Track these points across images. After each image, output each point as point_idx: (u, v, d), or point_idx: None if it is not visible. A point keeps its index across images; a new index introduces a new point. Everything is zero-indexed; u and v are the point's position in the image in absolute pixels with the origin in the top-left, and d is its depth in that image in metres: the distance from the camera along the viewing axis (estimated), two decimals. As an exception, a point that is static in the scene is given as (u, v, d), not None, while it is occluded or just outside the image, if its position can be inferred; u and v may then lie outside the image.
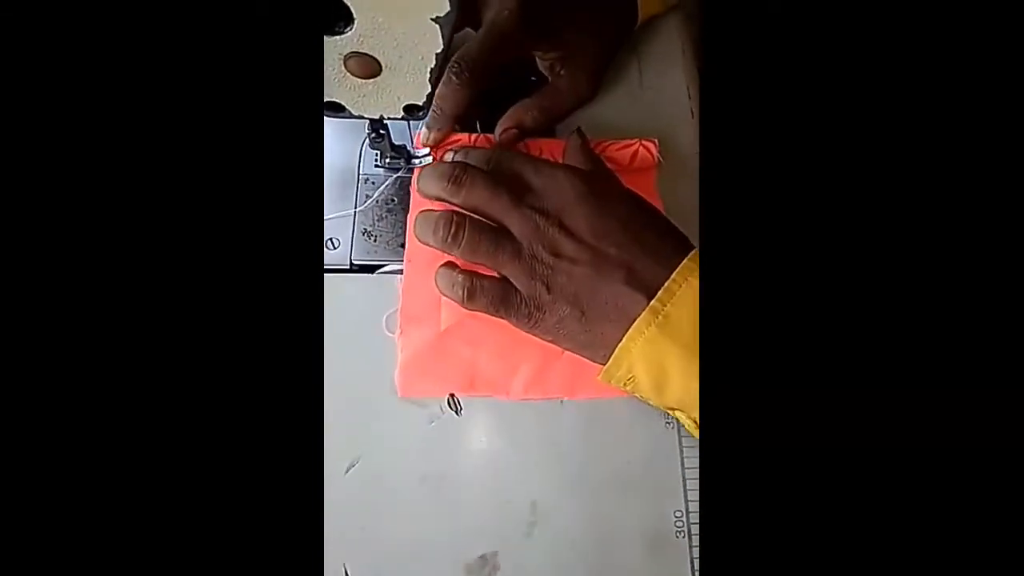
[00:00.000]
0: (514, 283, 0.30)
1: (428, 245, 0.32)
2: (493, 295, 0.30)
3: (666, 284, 0.27)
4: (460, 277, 0.30)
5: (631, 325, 0.27)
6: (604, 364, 0.29)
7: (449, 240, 0.30)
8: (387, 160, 0.36)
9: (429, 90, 0.26)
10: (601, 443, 0.32)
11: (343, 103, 0.27)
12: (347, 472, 0.31)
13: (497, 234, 0.30)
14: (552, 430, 0.32)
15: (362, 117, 0.28)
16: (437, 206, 0.32)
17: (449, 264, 0.32)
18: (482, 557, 0.30)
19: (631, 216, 0.30)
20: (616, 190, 0.31)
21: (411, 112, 0.28)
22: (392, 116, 0.28)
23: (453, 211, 0.31)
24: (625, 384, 0.29)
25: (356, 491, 0.31)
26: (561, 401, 0.33)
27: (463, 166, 0.31)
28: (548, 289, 0.29)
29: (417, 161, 0.36)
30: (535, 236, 0.29)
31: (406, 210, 0.36)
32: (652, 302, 0.27)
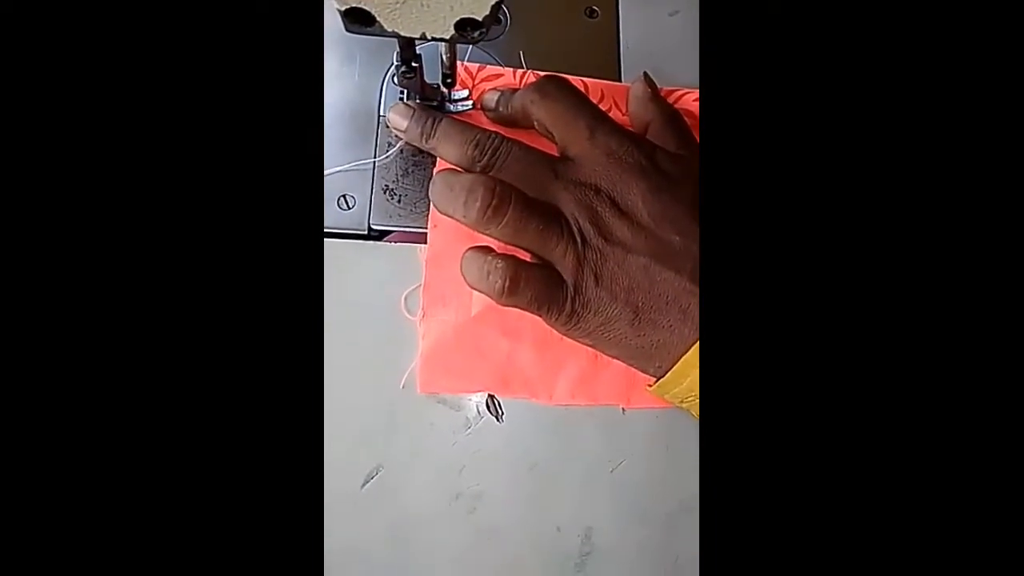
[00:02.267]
0: (560, 272, 0.24)
1: (451, 217, 0.25)
2: (539, 288, 0.23)
3: None
4: (500, 264, 0.23)
5: (698, 336, 0.22)
6: (658, 377, 0.23)
7: (489, 214, 0.23)
8: (416, 101, 0.29)
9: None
10: (670, 461, 0.27)
11: (373, 12, 0.20)
12: (364, 486, 0.26)
13: (547, 210, 0.24)
14: (612, 444, 0.27)
15: (396, 35, 0.21)
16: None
17: (481, 247, 0.25)
18: (526, 594, 0.25)
19: (697, 196, 0.24)
20: (684, 165, 0.25)
21: (464, 31, 0.20)
22: (439, 36, 0.21)
23: (490, 176, 0.24)
24: (683, 402, 0.24)
25: (374, 509, 0.25)
26: (623, 409, 0.27)
27: (497, 136, 0.25)
28: (597, 280, 0.23)
29: (453, 106, 0.29)
30: (581, 215, 0.23)
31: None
32: None
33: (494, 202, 0.23)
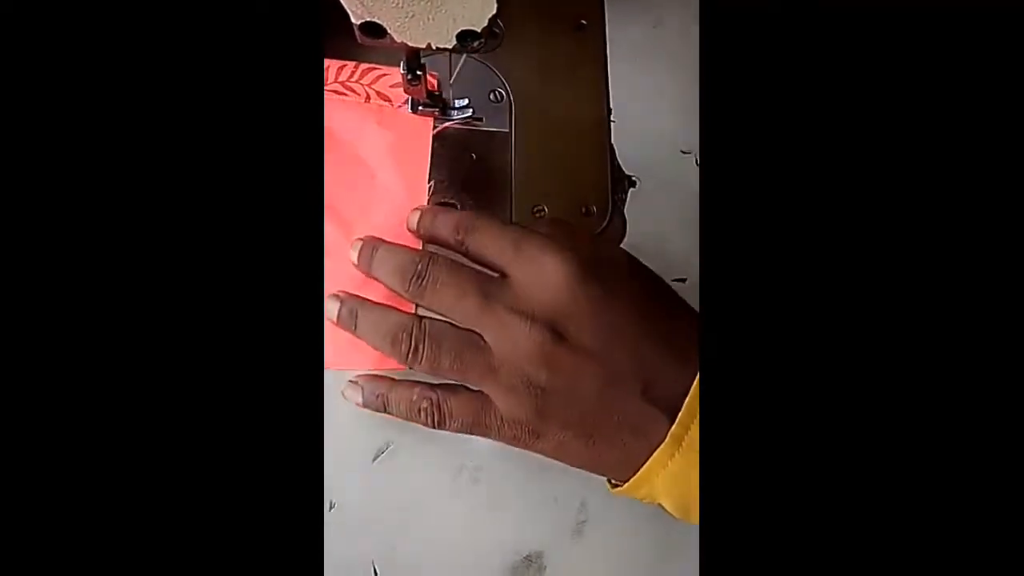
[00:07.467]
0: (494, 401, 0.23)
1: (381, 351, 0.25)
2: (466, 419, 0.23)
3: (687, 400, 0.21)
4: (424, 402, 0.24)
5: (652, 451, 0.22)
6: (620, 482, 0.23)
7: (409, 357, 0.23)
8: (419, 109, 0.31)
9: (494, 10, 0.21)
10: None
11: (384, 25, 0.22)
12: (375, 460, 0.27)
13: (465, 346, 0.23)
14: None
15: (404, 46, 0.23)
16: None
17: (411, 383, 0.25)
18: (527, 559, 0.27)
19: (641, 306, 0.23)
20: (618, 268, 0.24)
21: (465, 41, 0.23)
22: (443, 46, 0.23)
23: (412, 318, 0.24)
24: (646, 500, 0.24)
25: (385, 481, 0.27)
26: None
27: (426, 258, 0.24)
28: (540, 415, 0.22)
29: (456, 113, 0.32)
30: (518, 349, 0.22)
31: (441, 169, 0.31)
32: (673, 427, 0.21)
33: (411, 345, 0.23)
